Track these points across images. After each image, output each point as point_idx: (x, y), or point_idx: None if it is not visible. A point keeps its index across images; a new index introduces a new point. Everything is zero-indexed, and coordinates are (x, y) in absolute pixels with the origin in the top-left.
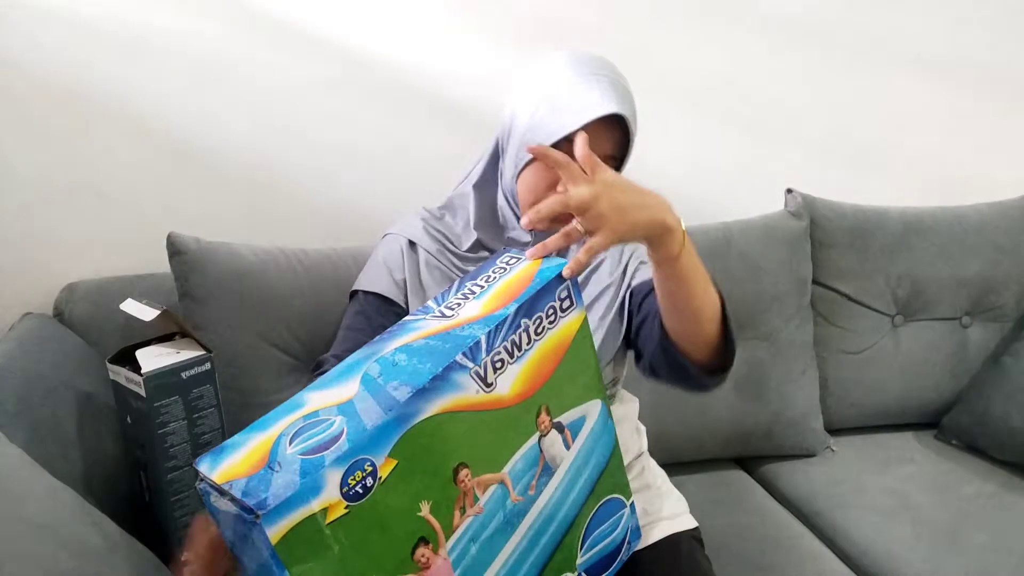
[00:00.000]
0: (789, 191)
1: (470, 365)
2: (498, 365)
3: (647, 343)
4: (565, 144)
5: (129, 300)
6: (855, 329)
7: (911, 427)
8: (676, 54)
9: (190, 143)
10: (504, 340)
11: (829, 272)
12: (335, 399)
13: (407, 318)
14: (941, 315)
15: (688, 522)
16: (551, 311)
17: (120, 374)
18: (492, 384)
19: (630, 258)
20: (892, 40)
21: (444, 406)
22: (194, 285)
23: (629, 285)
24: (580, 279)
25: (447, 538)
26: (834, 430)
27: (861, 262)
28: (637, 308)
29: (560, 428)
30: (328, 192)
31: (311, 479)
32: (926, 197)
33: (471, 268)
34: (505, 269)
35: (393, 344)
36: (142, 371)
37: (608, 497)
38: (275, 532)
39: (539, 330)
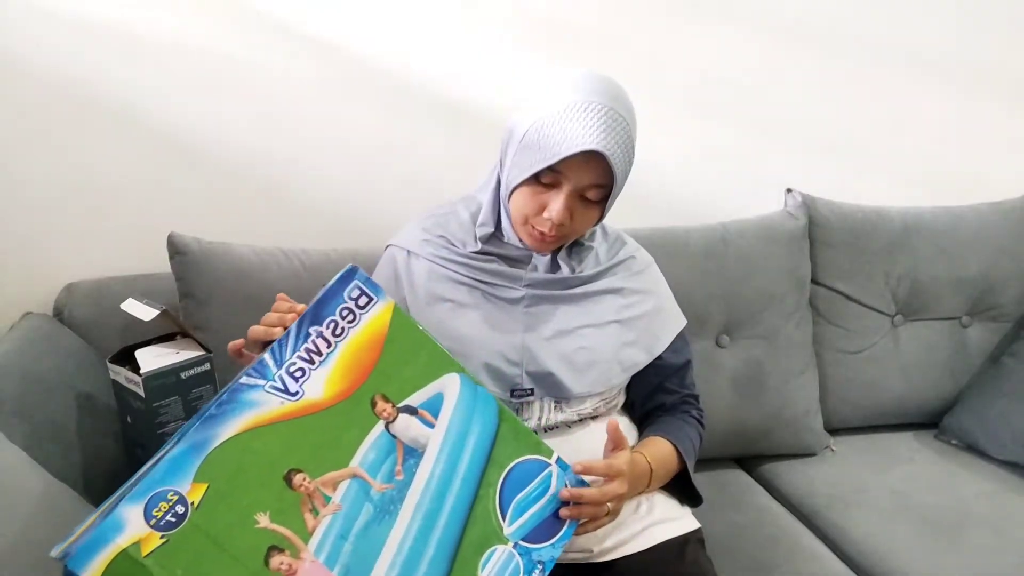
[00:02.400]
0: (789, 191)
1: (260, 383)
2: (298, 375)
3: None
4: (548, 172)
5: (130, 300)
6: (855, 329)
7: (911, 427)
8: (676, 53)
9: (191, 143)
10: (295, 351)
11: (829, 272)
12: (159, 456)
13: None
14: (941, 315)
15: (690, 523)
16: (345, 312)
17: (120, 374)
18: (298, 392)
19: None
20: (892, 40)
21: (243, 425)
22: (195, 285)
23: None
24: (581, 271)
25: (306, 541)
26: (834, 430)
27: (861, 262)
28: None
29: (411, 411)
30: (329, 192)
31: (108, 520)
32: (926, 197)
33: (477, 272)
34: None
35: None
36: (141, 371)
37: (516, 461)
38: (88, 571)
39: (338, 332)
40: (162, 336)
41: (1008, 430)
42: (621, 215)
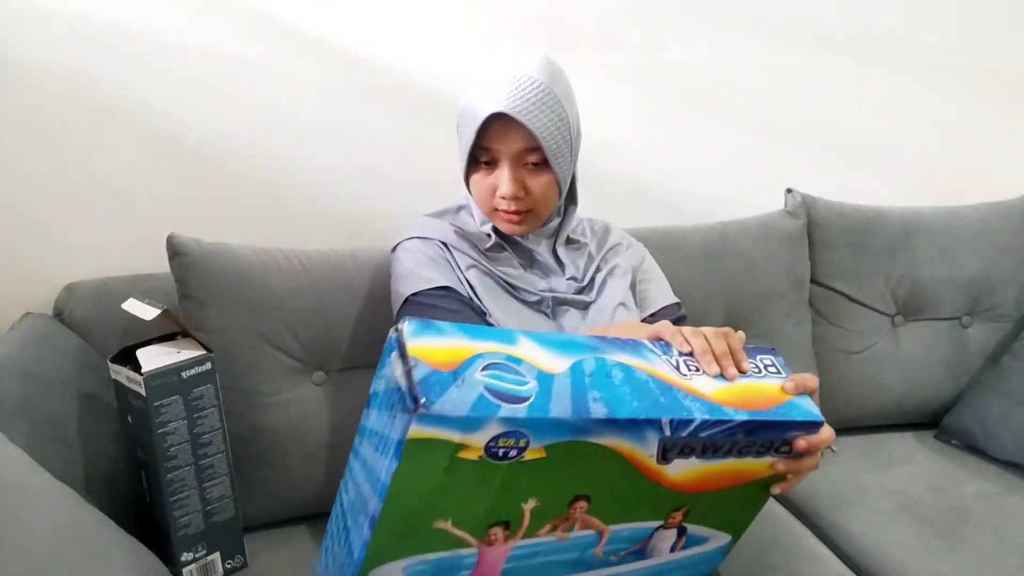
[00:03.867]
0: (789, 191)
1: (667, 433)
2: (686, 451)
3: None
4: (481, 151)
5: (131, 299)
6: (855, 329)
7: (911, 427)
8: (676, 53)
9: (191, 143)
10: (709, 437)
11: (829, 272)
12: (541, 363)
13: (640, 344)
14: (941, 315)
15: None
16: (766, 445)
17: (121, 373)
18: (669, 461)
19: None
20: (892, 40)
21: (616, 445)
22: (194, 286)
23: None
24: (589, 281)
25: (526, 537)
26: (834, 430)
27: (861, 262)
28: None
29: (681, 532)
30: (329, 193)
31: (476, 418)
32: (926, 197)
33: (500, 267)
34: (760, 370)
35: (618, 356)
36: (142, 370)
37: None
38: (416, 432)
39: (742, 451)
40: (163, 336)
41: (1008, 430)
42: (622, 215)
